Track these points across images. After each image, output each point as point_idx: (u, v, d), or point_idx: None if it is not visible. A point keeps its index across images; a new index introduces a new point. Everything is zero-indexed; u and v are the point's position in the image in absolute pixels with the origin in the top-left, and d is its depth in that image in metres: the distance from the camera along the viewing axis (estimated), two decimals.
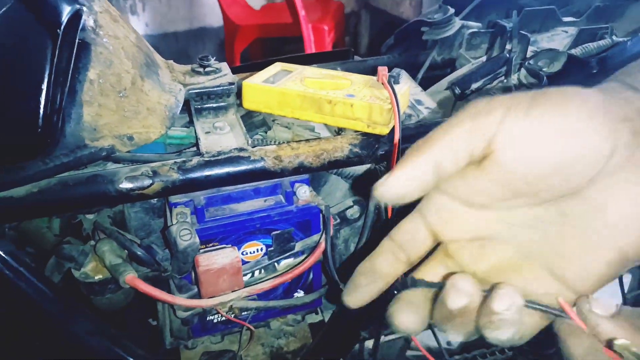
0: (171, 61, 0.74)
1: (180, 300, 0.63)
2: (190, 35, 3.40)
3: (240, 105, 0.74)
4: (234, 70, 0.80)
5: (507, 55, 0.80)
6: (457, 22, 0.96)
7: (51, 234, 0.67)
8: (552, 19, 0.96)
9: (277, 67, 0.77)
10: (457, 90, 0.78)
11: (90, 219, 0.65)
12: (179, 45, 3.35)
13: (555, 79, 0.71)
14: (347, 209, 0.77)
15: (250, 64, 0.92)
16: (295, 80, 0.72)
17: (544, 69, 0.73)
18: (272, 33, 3.07)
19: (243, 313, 0.74)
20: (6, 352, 0.65)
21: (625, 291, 1.10)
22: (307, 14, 2.83)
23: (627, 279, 1.22)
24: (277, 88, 0.69)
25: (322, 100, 0.67)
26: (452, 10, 0.95)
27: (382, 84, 0.68)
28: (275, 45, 3.15)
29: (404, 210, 0.75)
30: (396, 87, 0.67)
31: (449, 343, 1.74)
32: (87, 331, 0.63)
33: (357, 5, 3.75)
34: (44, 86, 0.55)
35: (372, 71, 0.95)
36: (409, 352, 1.25)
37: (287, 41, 3.02)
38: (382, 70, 0.69)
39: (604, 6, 1.00)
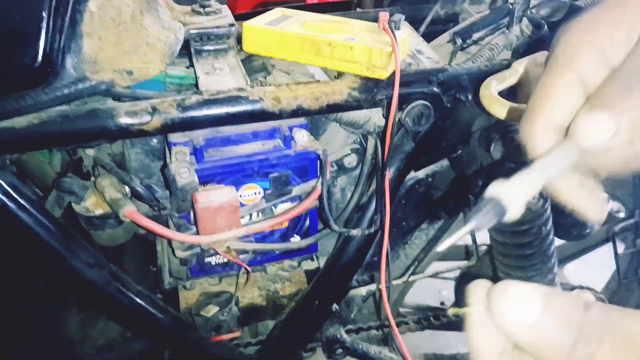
0: (171, 0, 0.74)
1: (178, 235, 0.64)
2: None
3: (240, 49, 0.74)
4: (236, 18, 0.80)
5: (510, 6, 0.79)
6: None
7: (52, 169, 0.68)
8: None
9: (278, 12, 0.77)
10: (459, 41, 0.77)
11: (90, 155, 0.66)
12: None
13: (556, 28, 0.71)
14: (344, 157, 0.78)
15: (251, 12, 0.91)
16: (295, 24, 0.71)
17: (545, 19, 0.73)
18: None
19: (240, 256, 0.76)
20: (6, 283, 0.67)
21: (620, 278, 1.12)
22: None
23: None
24: (277, 30, 0.69)
25: (321, 43, 0.67)
26: None
27: (383, 29, 0.68)
28: None
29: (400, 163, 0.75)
30: (397, 33, 0.67)
31: (442, 303, 1.77)
32: (86, 263, 0.64)
33: None
34: (44, 15, 0.55)
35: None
36: (401, 309, 1.28)
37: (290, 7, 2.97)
38: (384, 15, 0.69)
39: None
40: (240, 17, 0.85)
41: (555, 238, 0.87)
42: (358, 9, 0.99)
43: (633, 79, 0.30)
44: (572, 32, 0.32)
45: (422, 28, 0.94)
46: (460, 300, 1.36)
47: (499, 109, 0.57)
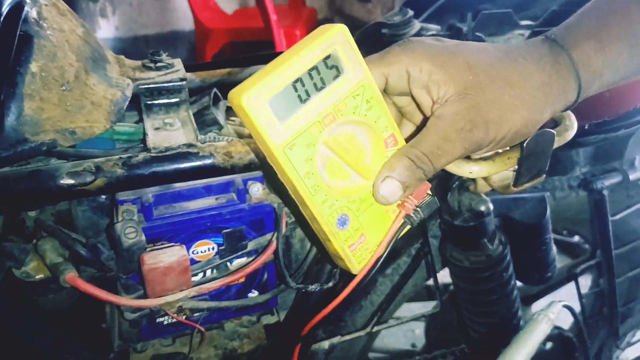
0: (122, 56, 0.73)
1: (124, 300, 0.61)
2: (161, 39, 3.36)
3: (191, 103, 0.73)
4: (205, 67, 0.79)
5: None
6: (417, 25, 0.97)
7: None
8: (508, 23, 0.98)
9: (331, 46, 0.43)
10: None
11: (32, 216, 0.63)
12: (149, 49, 3.30)
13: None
14: None
15: (217, 61, 0.90)
16: (312, 134, 0.44)
17: None
18: (244, 37, 3.06)
19: (195, 314, 0.73)
20: None
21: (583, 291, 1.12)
22: (279, 19, 2.84)
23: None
24: (269, 146, 0.43)
25: (306, 206, 0.46)
26: (411, 13, 0.97)
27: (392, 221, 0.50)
28: (247, 49, 3.14)
29: None
30: None
31: (413, 345, 1.75)
32: (30, 331, 0.61)
33: (330, 12, 3.78)
34: None
35: None
36: (371, 354, 1.25)
37: (259, 45, 3.02)
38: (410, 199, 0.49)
39: (559, 10, 1.03)
40: (206, 67, 0.84)
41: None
42: None
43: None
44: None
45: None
46: (431, 343, 1.35)
47: (452, 164, 0.57)
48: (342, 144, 0.45)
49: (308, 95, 0.43)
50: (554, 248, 0.83)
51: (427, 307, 1.22)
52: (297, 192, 0.45)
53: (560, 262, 1.27)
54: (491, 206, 0.67)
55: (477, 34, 0.82)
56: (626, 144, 0.85)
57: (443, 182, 0.71)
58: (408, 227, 0.49)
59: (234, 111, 0.43)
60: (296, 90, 0.42)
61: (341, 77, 0.44)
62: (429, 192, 0.49)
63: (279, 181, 0.46)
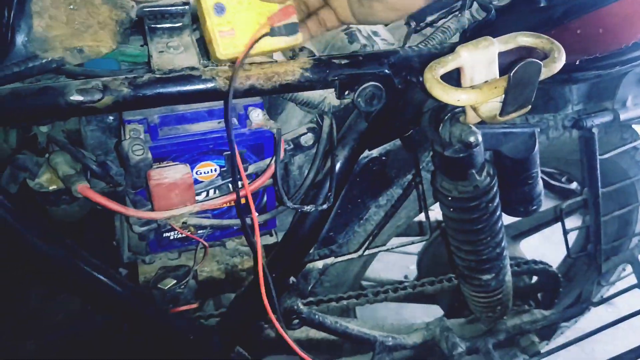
0: None
1: (132, 211, 0.66)
2: None
3: (195, 28, 0.74)
4: None
5: None
6: None
7: (7, 146, 0.68)
8: None
9: None
10: (412, 23, 0.79)
11: (44, 132, 0.67)
12: None
13: (504, 12, 0.73)
14: (301, 135, 0.80)
15: None
16: None
17: (493, 2, 0.75)
18: None
19: (199, 231, 0.78)
20: None
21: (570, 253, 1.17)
22: None
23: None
24: None
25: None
26: None
27: None
28: None
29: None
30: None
31: (405, 277, 1.83)
32: (42, 239, 0.66)
33: None
34: None
35: None
36: (364, 283, 1.33)
37: None
38: None
39: None
40: None
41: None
42: None
43: None
44: None
45: None
46: (422, 274, 1.42)
47: (441, 92, 0.59)
48: None
49: None
50: (541, 183, 0.87)
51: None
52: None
53: (550, 204, 1.31)
54: (480, 138, 0.70)
55: None
56: (619, 83, 0.87)
57: (436, 113, 0.73)
58: (267, 36, 0.63)
59: None
60: None
61: None
62: (295, 18, 0.64)
63: None
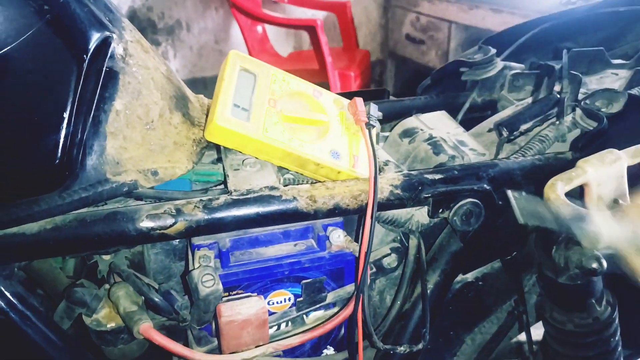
0: (201, 95, 0.71)
1: (198, 355, 0.56)
2: None
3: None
4: None
5: (558, 95, 0.74)
6: (499, 63, 0.92)
7: (64, 275, 0.62)
8: (600, 61, 0.91)
9: (236, 65, 0.64)
10: (505, 132, 0.72)
11: (106, 260, 0.60)
12: (207, 93, 3.39)
13: (615, 121, 0.65)
14: (383, 257, 0.71)
15: None
16: (272, 116, 0.62)
17: (602, 110, 0.67)
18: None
19: None
20: None
21: None
22: (333, 61, 2.86)
23: None
24: (257, 139, 0.60)
25: (308, 161, 0.63)
26: (493, 51, 0.91)
27: (360, 129, 0.66)
28: None
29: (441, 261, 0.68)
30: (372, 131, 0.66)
31: None
32: None
33: (383, 54, 3.79)
34: (66, 115, 0.51)
35: (407, 111, 0.91)
36: None
37: None
38: (360, 111, 0.66)
39: None
40: None
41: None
42: (392, 97, 0.96)
43: None
44: None
45: (460, 117, 0.90)
46: None
47: (568, 212, 0.50)
48: (290, 109, 0.64)
49: (250, 98, 0.62)
50: None
51: None
52: (292, 156, 0.62)
53: None
54: (605, 263, 0.59)
55: (573, 72, 0.76)
56: None
57: (546, 235, 0.63)
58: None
59: (213, 139, 0.59)
60: (241, 99, 0.61)
61: (257, 77, 0.64)
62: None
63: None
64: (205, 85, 3.45)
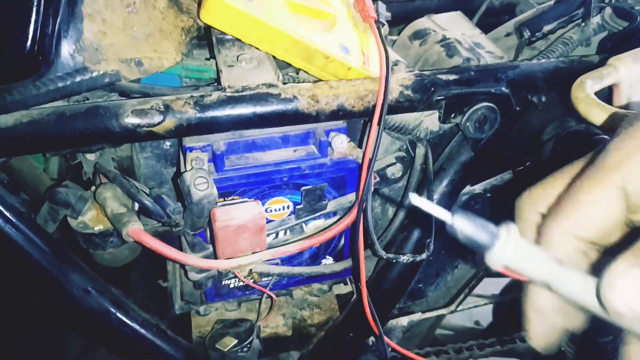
0: None
1: (192, 259, 0.54)
2: None
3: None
4: None
5: None
6: None
7: (47, 177, 0.58)
8: None
9: None
10: (527, 33, 0.65)
11: (91, 160, 0.56)
12: None
13: None
14: (387, 166, 0.67)
15: None
16: (278, 2, 0.57)
17: (636, 8, 0.61)
18: None
19: (263, 279, 0.65)
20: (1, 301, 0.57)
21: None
22: None
23: None
24: (262, 20, 0.53)
25: (317, 53, 0.56)
26: None
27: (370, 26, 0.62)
28: None
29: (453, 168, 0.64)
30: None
31: (477, 322, 1.65)
32: (83, 289, 0.54)
33: None
34: None
35: (419, 14, 0.83)
36: (438, 331, 1.16)
37: None
38: (369, 7, 0.61)
39: None
40: None
41: None
42: None
43: None
44: (631, 134, 0.26)
45: (475, 19, 0.83)
46: (498, 321, 1.24)
47: (599, 114, 0.45)
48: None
49: None
50: None
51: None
52: (299, 45, 0.55)
53: None
54: None
55: None
56: None
57: (565, 142, 0.59)
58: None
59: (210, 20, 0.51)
60: None
61: None
62: None
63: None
64: None
